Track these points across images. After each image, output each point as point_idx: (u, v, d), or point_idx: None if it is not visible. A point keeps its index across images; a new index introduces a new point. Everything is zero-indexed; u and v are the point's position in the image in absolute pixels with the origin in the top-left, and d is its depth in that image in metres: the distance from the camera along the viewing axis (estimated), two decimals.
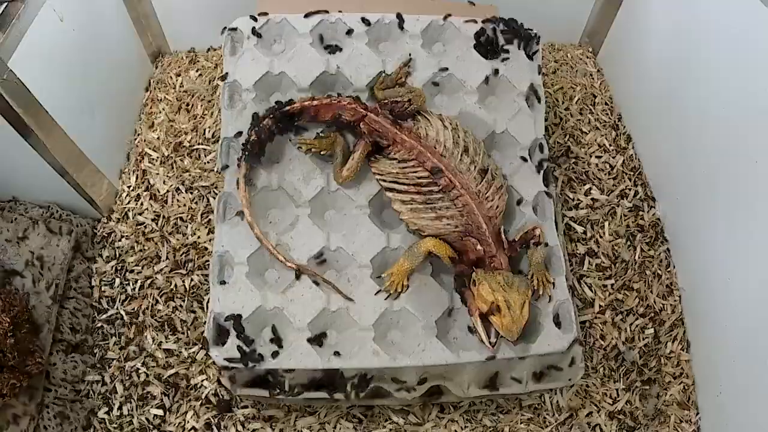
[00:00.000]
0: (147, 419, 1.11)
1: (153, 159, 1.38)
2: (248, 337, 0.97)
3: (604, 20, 1.53)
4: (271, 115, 1.05)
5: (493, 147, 1.14)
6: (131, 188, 1.35)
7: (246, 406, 1.11)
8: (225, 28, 1.14)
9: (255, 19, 1.14)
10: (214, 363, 1.09)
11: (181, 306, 1.21)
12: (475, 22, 1.17)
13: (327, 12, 1.14)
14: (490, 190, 1.00)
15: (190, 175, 1.34)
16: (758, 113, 1.02)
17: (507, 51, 1.17)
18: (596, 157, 1.41)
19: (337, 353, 0.97)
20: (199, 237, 1.27)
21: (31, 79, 1.02)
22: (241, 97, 1.10)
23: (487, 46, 1.17)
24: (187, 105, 1.47)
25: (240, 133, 1.07)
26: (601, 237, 1.30)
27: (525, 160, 1.12)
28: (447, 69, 1.13)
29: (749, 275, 1.05)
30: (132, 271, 1.24)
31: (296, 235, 1.04)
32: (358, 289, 1.01)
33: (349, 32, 1.14)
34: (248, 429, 1.10)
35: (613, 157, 1.41)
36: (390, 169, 1.03)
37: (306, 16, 1.14)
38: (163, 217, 1.30)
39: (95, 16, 1.28)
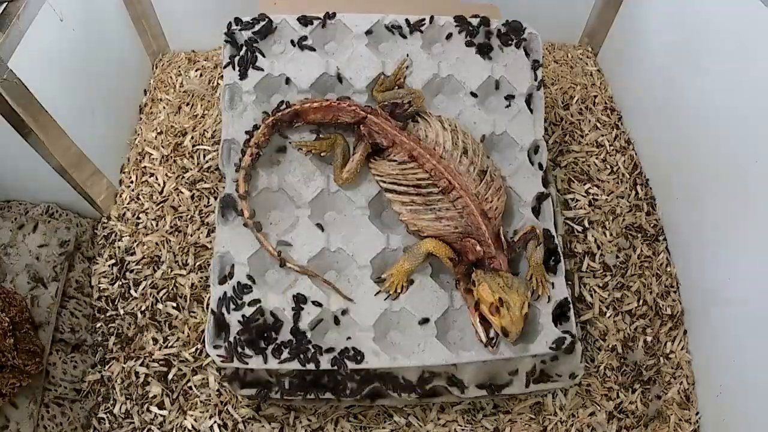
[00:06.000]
0: (147, 419, 1.11)
1: (153, 159, 1.38)
2: (248, 337, 0.97)
3: (604, 20, 1.53)
4: (270, 118, 1.05)
5: (492, 148, 1.14)
6: (131, 188, 1.35)
7: (246, 406, 1.11)
8: (233, 20, 1.14)
9: (253, 20, 1.14)
10: (214, 363, 1.10)
11: (181, 306, 1.21)
12: (475, 21, 1.17)
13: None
14: (489, 191, 1.00)
15: (190, 175, 1.35)
16: (758, 113, 1.02)
17: (506, 51, 1.17)
18: (596, 157, 1.41)
19: (336, 353, 0.97)
20: (199, 237, 1.27)
21: (31, 79, 1.02)
22: (241, 98, 1.10)
23: (486, 47, 1.16)
24: (187, 105, 1.47)
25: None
26: (601, 237, 1.30)
27: (525, 160, 1.12)
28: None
29: (749, 275, 1.05)
30: (132, 271, 1.24)
31: (296, 236, 1.04)
32: (358, 289, 1.02)
33: (349, 33, 1.14)
34: (248, 429, 1.10)
35: (613, 157, 1.41)
36: (390, 170, 1.03)
37: (304, 17, 1.14)
38: (163, 217, 1.30)
39: (95, 16, 1.28)
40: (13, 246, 1.14)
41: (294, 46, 1.13)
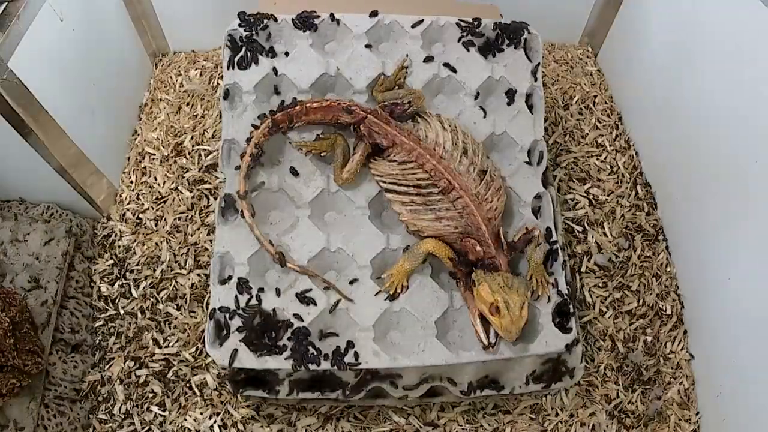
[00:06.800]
0: (147, 419, 1.11)
1: (153, 159, 1.38)
2: (248, 338, 0.97)
3: (604, 20, 1.53)
4: (270, 118, 1.05)
5: (492, 148, 1.14)
6: (131, 188, 1.35)
7: (246, 406, 1.11)
8: (233, 20, 1.14)
9: (253, 20, 1.14)
10: (214, 363, 1.10)
11: (181, 306, 1.21)
12: (475, 22, 1.17)
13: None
14: (489, 191, 1.00)
15: (190, 175, 1.35)
16: (758, 112, 1.02)
17: (506, 51, 1.17)
18: (596, 157, 1.41)
19: (337, 354, 0.97)
20: (199, 237, 1.27)
21: (31, 79, 1.02)
22: (241, 99, 1.10)
23: (486, 47, 1.16)
24: (187, 105, 1.47)
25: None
26: (600, 237, 1.30)
27: (525, 161, 1.12)
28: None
29: (749, 275, 1.05)
30: (132, 271, 1.24)
31: (296, 237, 1.04)
32: (358, 289, 1.01)
33: (349, 33, 1.14)
34: (248, 429, 1.10)
35: (614, 157, 1.41)
36: (390, 170, 1.03)
37: (304, 17, 1.14)
38: (163, 217, 1.30)
39: (95, 16, 1.28)
40: (13, 246, 1.14)
41: (294, 45, 1.13)
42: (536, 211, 1.10)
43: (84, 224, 1.26)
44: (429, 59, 1.14)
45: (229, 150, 1.08)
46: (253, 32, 1.12)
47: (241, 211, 1.03)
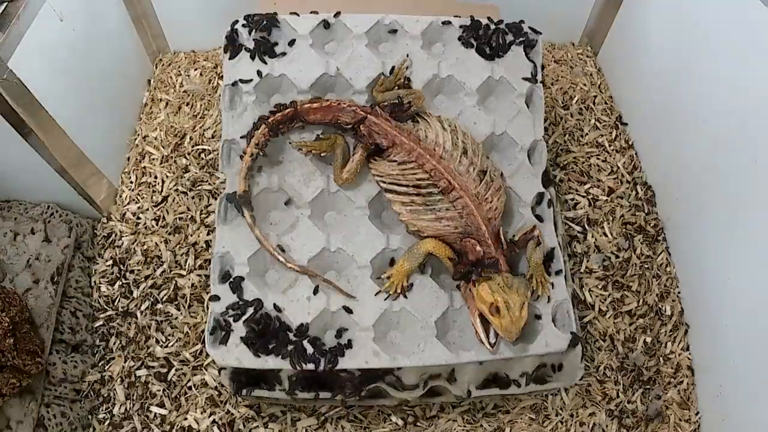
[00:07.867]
0: (147, 419, 1.11)
1: (153, 159, 1.38)
2: (248, 337, 0.97)
3: (604, 20, 1.53)
4: (271, 119, 1.05)
5: (492, 148, 1.14)
6: (131, 188, 1.35)
7: (246, 406, 1.11)
8: (234, 21, 1.14)
9: (253, 20, 1.14)
10: (214, 362, 1.10)
11: (181, 306, 1.21)
12: (475, 22, 1.17)
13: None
14: (489, 191, 1.00)
15: (190, 175, 1.35)
16: (758, 112, 1.02)
17: (506, 51, 1.17)
18: (596, 157, 1.41)
19: (337, 354, 0.97)
20: (199, 237, 1.27)
21: (31, 79, 1.02)
22: (241, 99, 1.10)
23: (486, 47, 1.16)
24: (187, 105, 1.47)
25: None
26: (600, 237, 1.30)
27: (525, 160, 1.12)
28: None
29: (749, 275, 1.05)
30: (132, 271, 1.24)
31: (296, 237, 1.04)
32: (358, 289, 1.01)
33: (349, 33, 1.14)
34: (248, 429, 1.10)
35: (613, 157, 1.41)
36: (390, 170, 1.03)
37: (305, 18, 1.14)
38: (163, 217, 1.30)
39: (95, 16, 1.28)
40: (13, 246, 1.14)
41: (294, 46, 1.13)
42: (536, 211, 1.10)
43: (84, 224, 1.26)
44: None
45: (229, 150, 1.08)
46: (253, 32, 1.12)
47: (241, 210, 1.03)
